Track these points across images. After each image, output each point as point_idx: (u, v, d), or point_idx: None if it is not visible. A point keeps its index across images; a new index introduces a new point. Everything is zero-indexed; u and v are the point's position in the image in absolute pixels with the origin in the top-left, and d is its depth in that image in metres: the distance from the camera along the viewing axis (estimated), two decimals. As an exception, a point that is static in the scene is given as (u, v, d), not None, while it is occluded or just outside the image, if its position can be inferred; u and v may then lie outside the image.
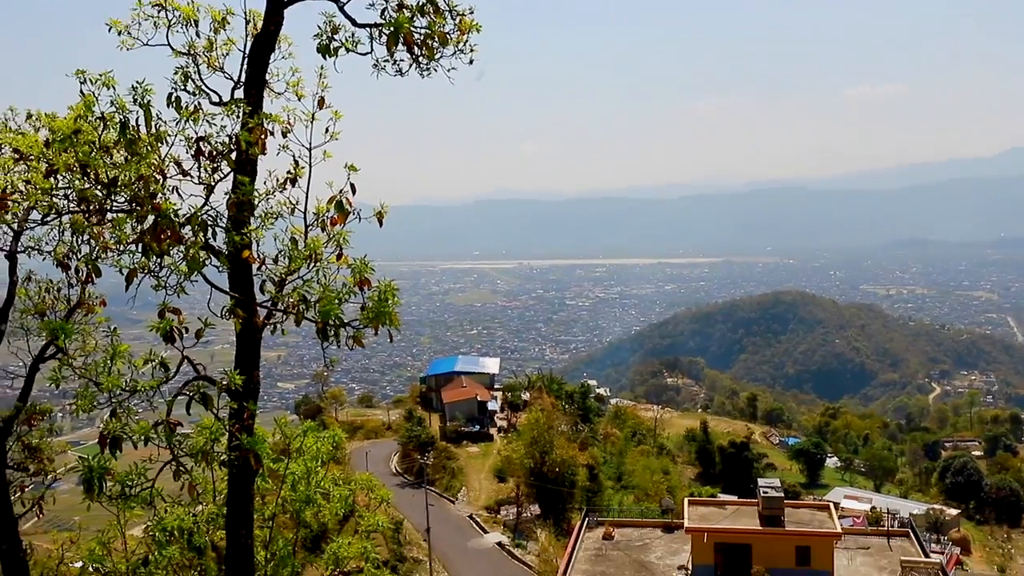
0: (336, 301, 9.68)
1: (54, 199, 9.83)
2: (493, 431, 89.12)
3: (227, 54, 10.32)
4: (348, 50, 10.22)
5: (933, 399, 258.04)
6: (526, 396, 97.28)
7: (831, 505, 50.95)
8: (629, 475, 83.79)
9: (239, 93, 10.16)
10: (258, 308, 10.28)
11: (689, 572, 45.34)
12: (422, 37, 10.12)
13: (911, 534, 51.44)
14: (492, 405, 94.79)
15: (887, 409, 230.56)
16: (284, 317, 10.18)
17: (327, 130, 10.13)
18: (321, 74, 10.22)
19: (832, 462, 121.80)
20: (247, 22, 10.25)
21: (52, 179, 9.41)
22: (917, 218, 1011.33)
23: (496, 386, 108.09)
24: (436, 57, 10.31)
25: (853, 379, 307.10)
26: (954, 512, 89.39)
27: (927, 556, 47.09)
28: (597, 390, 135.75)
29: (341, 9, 10.12)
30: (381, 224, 10.13)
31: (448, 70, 10.45)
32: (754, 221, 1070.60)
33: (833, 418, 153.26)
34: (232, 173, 9.78)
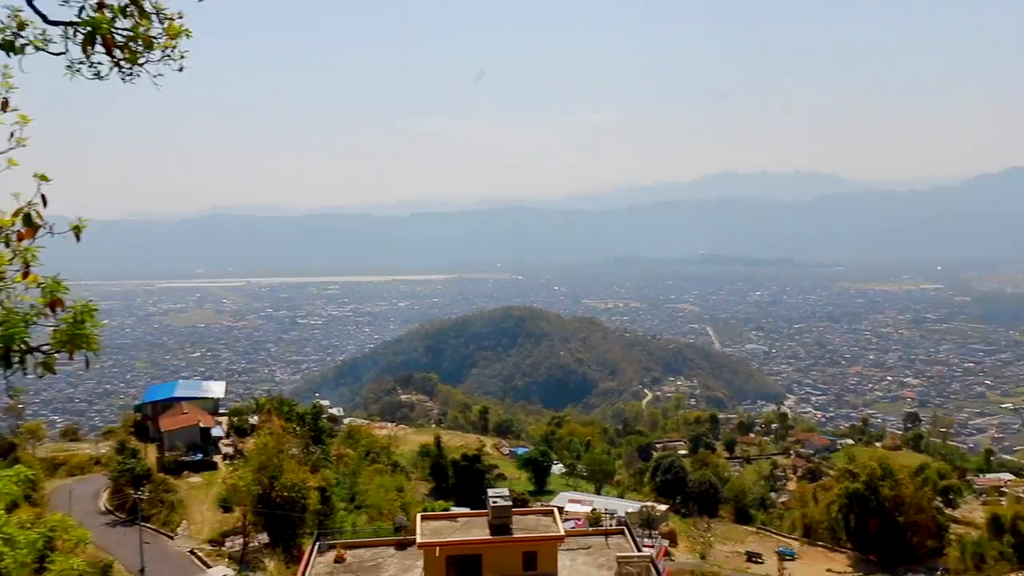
0: (23, 324, 8.78)
1: None
2: (218, 459, 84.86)
3: None
4: (38, 48, 9.32)
5: (646, 404, 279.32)
6: (254, 420, 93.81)
7: (555, 510, 53.38)
8: (363, 495, 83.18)
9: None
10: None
11: (423, 587, 45.58)
12: (124, 40, 9.45)
13: (626, 531, 55.04)
14: (217, 431, 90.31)
15: (607, 415, 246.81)
16: (-41, 343, 9.06)
17: (12, 135, 9.16)
18: (5, 73, 9.24)
19: (558, 468, 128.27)
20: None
21: None
22: (631, 236, 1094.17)
23: (222, 411, 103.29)
24: (140, 62, 9.66)
25: (577, 388, 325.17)
26: (663, 508, 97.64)
27: (640, 551, 50.58)
28: (330, 410, 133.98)
29: (29, 3, 9.22)
30: (78, 239, 9.31)
31: (155, 76, 9.84)
32: (485, 238, 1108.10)
33: (559, 427, 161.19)
34: None
